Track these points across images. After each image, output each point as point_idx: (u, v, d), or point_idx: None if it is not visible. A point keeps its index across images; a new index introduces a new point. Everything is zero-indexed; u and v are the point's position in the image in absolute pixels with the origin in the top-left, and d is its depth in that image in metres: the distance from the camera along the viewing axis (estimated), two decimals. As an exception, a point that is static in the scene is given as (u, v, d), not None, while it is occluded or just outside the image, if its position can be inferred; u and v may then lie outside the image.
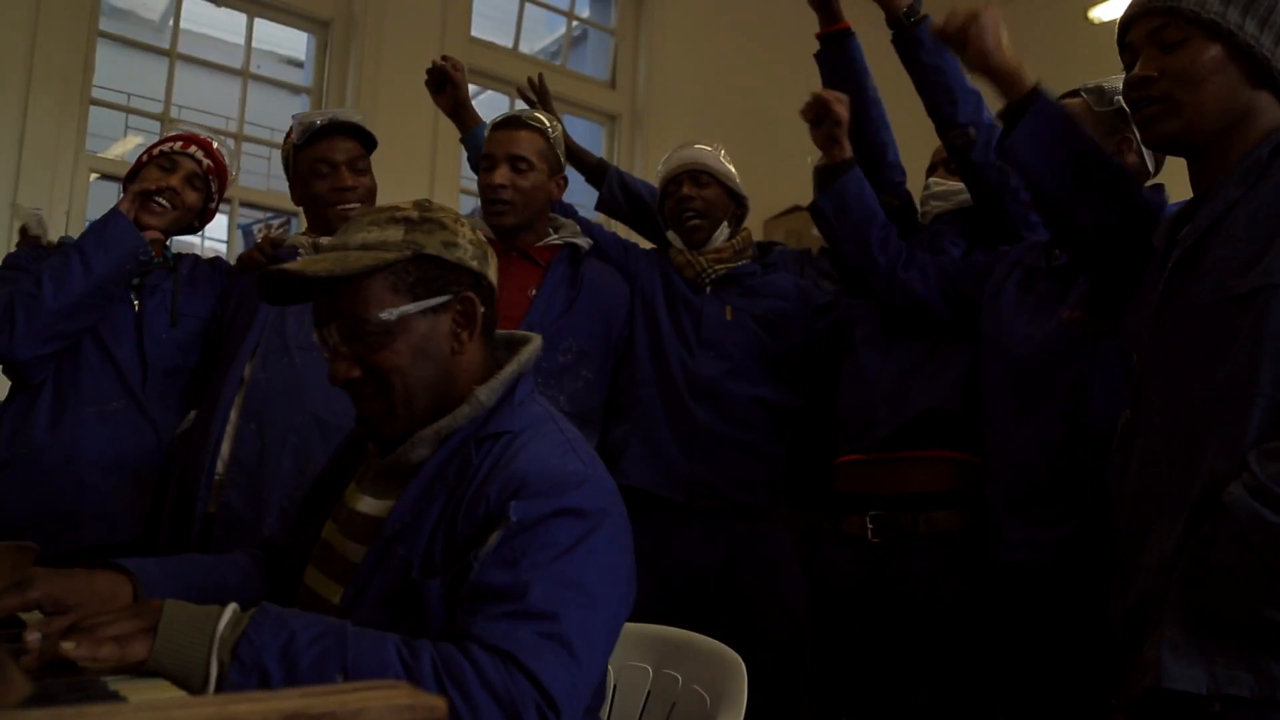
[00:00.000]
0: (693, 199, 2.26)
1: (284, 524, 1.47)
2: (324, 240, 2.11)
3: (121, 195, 2.10)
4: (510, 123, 2.19)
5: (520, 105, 4.06)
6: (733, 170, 2.33)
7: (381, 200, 2.27)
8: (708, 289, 2.25)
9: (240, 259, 2.30)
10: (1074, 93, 1.78)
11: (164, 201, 2.09)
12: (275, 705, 0.56)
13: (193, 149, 2.15)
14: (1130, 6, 1.37)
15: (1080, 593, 1.57)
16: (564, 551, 1.07)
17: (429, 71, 2.34)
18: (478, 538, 1.10)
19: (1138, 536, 1.24)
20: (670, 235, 2.35)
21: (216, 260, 2.33)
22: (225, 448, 1.94)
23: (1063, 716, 1.61)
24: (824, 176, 2.00)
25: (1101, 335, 1.64)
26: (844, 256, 2.02)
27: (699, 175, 2.28)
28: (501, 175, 2.11)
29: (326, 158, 2.13)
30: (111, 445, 1.99)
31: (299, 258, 2.11)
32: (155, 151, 2.15)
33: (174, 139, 2.17)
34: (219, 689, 0.95)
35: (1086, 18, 4.53)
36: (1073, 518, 1.59)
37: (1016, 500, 1.69)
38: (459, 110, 2.41)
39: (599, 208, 2.61)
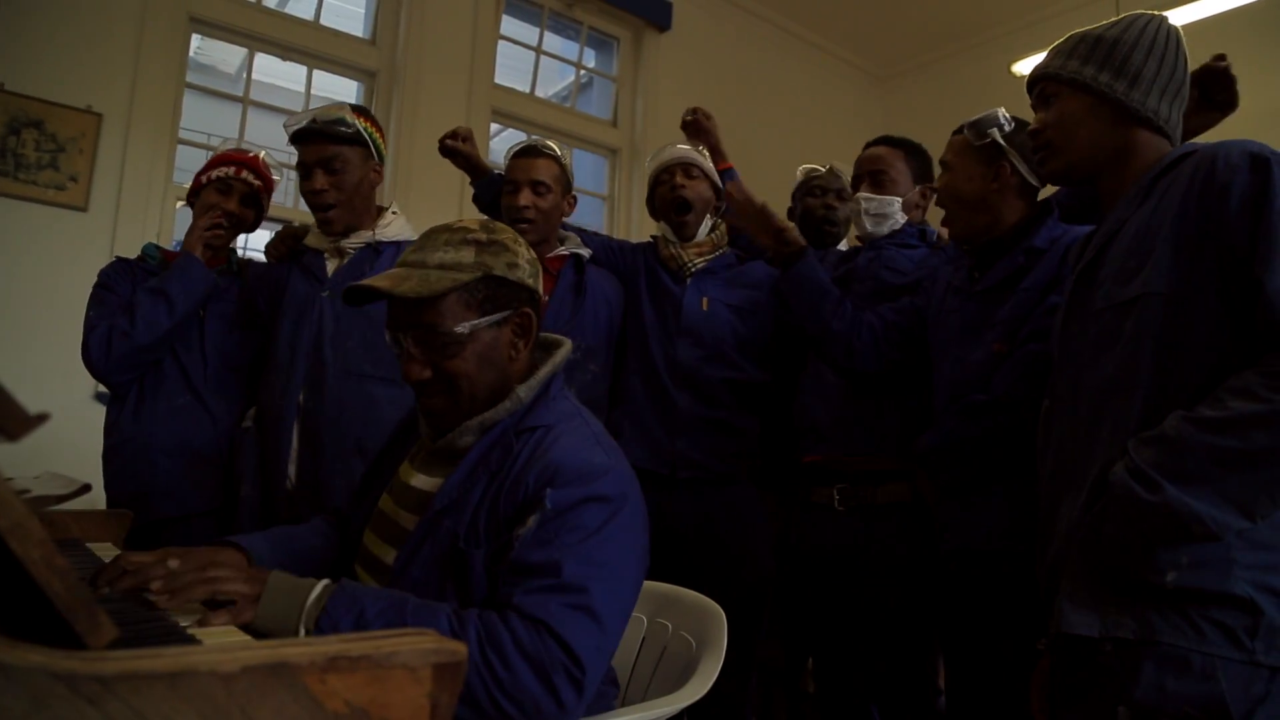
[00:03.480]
0: (683, 187, 2.21)
1: (349, 496, 1.45)
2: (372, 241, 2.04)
3: (190, 211, 2.07)
4: (530, 151, 2.16)
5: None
6: (713, 168, 2.29)
7: (414, 222, 2.22)
8: (688, 280, 2.19)
9: (266, 250, 2.23)
10: (959, 130, 1.78)
11: (225, 223, 2.06)
12: (321, 649, 0.55)
13: (245, 174, 2.09)
14: (1029, 76, 1.42)
15: (1012, 570, 1.53)
16: (592, 534, 1.07)
17: (441, 151, 2.28)
18: (518, 518, 1.10)
19: (1052, 506, 1.25)
20: (660, 226, 2.29)
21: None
22: (292, 470, 1.92)
23: (990, 659, 1.59)
24: (782, 263, 1.96)
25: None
26: (804, 326, 1.96)
27: (690, 168, 2.25)
28: (525, 197, 2.09)
29: (303, 160, 1.98)
30: (177, 434, 1.98)
31: (326, 263, 2.04)
32: (213, 176, 2.08)
33: (227, 162, 2.10)
34: None
35: (1009, 71, 4.51)
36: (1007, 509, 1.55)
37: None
38: (472, 169, 2.33)
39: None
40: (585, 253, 2.23)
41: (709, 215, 2.26)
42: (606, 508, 1.10)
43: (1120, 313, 1.18)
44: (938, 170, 1.85)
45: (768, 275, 2.22)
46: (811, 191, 2.41)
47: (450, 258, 1.18)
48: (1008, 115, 1.70)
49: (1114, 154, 1.30)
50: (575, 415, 1.24)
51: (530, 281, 1.24)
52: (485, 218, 1.32)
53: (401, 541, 1.19)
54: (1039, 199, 1.75)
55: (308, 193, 1.98)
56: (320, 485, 1.88)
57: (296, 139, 1.98)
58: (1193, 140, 1.32)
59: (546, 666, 0.97)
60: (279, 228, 2.32)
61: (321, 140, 1.95)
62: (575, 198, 2.26)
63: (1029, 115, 1.76)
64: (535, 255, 1.30)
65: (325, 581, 1.03)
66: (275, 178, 2.21)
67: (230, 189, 2.08)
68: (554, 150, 2.18)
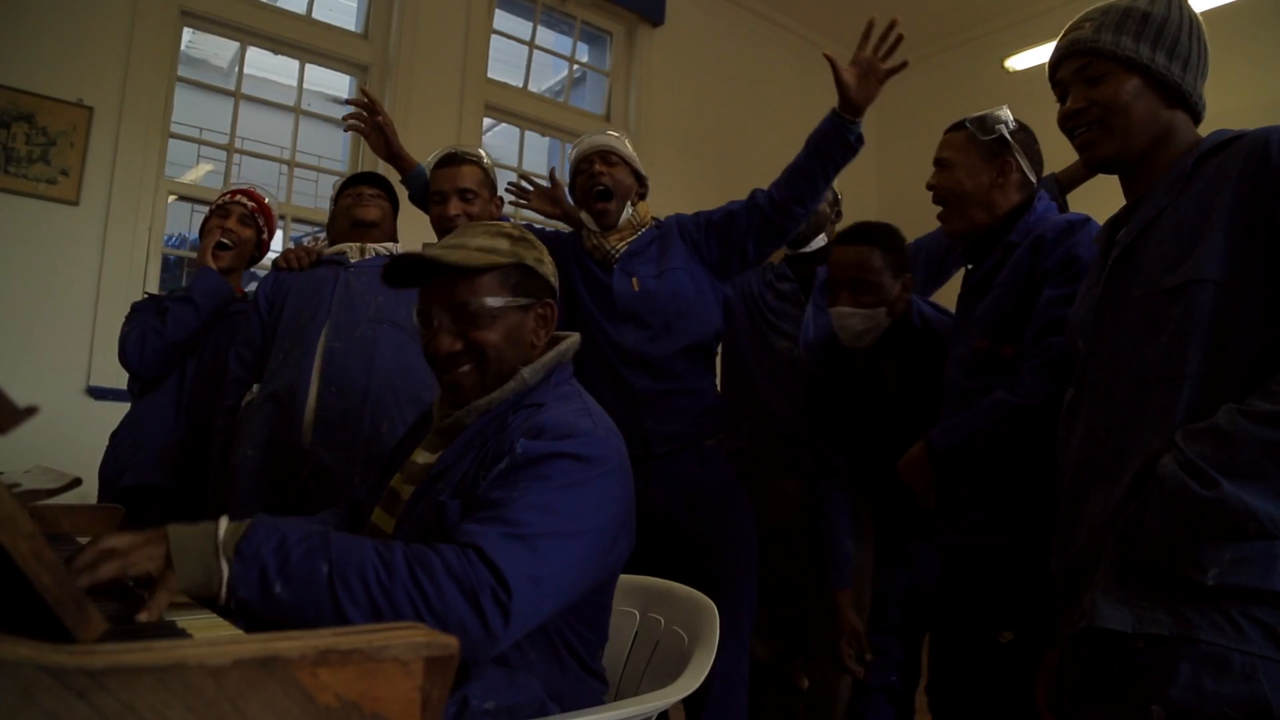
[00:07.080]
0: (603, 174, 2.13)
1: (366, 486, 1.46)
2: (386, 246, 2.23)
3: (198, 238, 2.42)
4: (452, 159, 2.16)
5: (530, 136, 4.01)
6: (635, 155, 2.23)
7: (403, 221, 2.36)
8: (615, 267, 2.13)
9: (284, 255, 2.28)
10: (960, 125, 1.75)
11: (226, 241, 2.36)
12: (312, 643, 0.55)
13: (239, 197, 2.41)
14: (1056, 50, 1.35)
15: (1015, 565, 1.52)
16: (555, 486, 1.07)
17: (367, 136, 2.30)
18: (493, 467, 1.12)
19: (1079, 499, 1.21)
20: (583, 215, 2.21)
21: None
22: (308, 414, 1.91)
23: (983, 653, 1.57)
24: None
25: (1007, 358, 1.59)
26: None
27: (608, 155, 2.16)
28: (455, 207, 2.10)
29: (353, 193, 2.30)
30: (160, 423, 2.24)
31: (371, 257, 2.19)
32: (214, 205, 2.42)
33: (227, 194, 2.44)
34: (229, 586, 0.92)
35: (1002, 66, 4.50)
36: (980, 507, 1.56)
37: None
38: (394, 159, 2.29)
39: None
40: None
41: (630, 202, 2.19)
42: (580, 467, 1.10)
43: (1165, 300, 1.14)
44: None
45: (686, 259, 2.16)
46: None
47: (488, 243, 1.27)
48: (1010, 114, 1.69)
49: (1158, 138, 1.26)
50: (575, 396, 1.28)
51: (552, 280, 1.33)
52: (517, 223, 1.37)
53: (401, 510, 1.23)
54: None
55: (355, 207, 2.24)
56: (346, 422, 1.89)
57: (351, 182, 2.31)
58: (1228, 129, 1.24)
59: (475, 587, 0.95)
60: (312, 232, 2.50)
61: (371, 184, 2.30)
62: (502, 199, 2.26)
63: (1022, 110, 1.76)
64: (554, 265, 1.37)
65: (225, 516, 0.98)
66: (274, 207, 2.53)
67: (228, 212, 2.39)
68: (476, 155, 2.20)
